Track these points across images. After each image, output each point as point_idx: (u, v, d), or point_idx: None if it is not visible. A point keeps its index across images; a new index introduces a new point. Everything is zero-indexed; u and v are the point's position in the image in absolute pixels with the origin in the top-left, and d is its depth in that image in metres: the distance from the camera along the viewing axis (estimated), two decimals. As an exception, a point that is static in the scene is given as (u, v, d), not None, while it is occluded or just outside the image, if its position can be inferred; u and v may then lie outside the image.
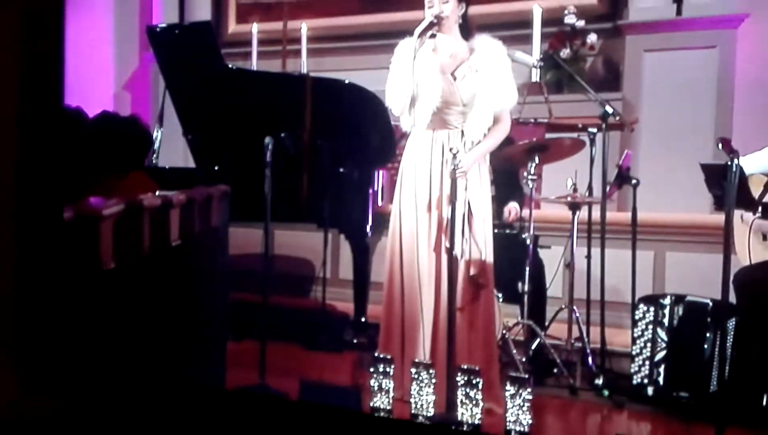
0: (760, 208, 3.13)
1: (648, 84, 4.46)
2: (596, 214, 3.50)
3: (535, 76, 3.72)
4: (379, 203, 4.17)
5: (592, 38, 4.62)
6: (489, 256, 3.05)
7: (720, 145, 2.82)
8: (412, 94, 2.92)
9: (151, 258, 2.55)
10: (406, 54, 2.95)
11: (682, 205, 4.14)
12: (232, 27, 5.86)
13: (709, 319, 3.11)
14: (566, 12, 4.63)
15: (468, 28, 3.06)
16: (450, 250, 2.87)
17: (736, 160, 2.76)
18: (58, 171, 2.30)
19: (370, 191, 4.05)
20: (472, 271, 3.00)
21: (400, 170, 3.10)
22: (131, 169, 2.93)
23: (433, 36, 3.03)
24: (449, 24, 3.00)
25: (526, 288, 3.49)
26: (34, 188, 2.23)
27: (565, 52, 4.57)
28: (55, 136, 2.28)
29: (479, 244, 3.00)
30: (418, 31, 2.92)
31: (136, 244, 2.44)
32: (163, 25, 4.76)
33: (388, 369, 2.89)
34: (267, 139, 3.42)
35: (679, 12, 4.45)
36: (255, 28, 5.04)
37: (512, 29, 4.40)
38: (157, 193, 2.80)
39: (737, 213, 3.11)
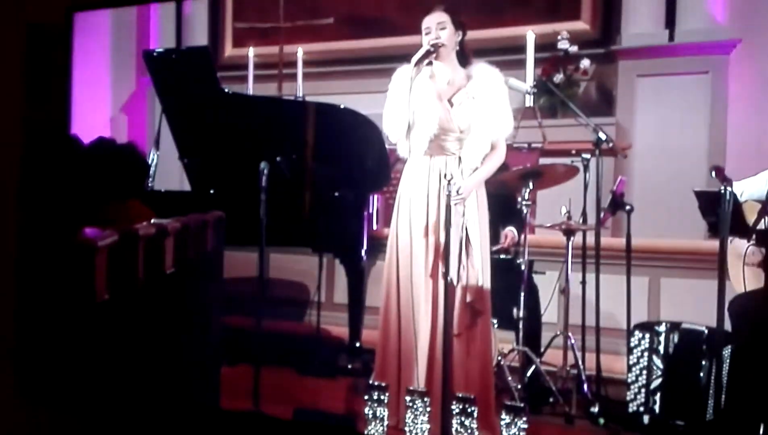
0: (754, 236, 3.12)
1: (641, 109, 4.43)
2: (591, 239, 3.45)
3: (529, 101, 3.73)
4: (374, 227, 4.16)
5: (585, 63, 4.60)
6: (486, 283, 3.02)
7: (713, 174, 2.83)
8: (409, 121, 2.91)
9: (145, 286, 2.55)
10: (403, 81, 2.96)
11: (677, 231, 4.09)
12: (229, 51, 5.83)
13: (704, 347, 3.06)
14: (559, 37, 4.62)
15: (465, 55, 3.07)
16: (445, 276, 2.85)
17: (729, 189, 2.78)
18: (58, 195, 2.29)
19: (365, 215, 4.02)
20: (468, 298, 2.97)
21: (397, 196, 3.09)
22: (128, 196, 2.91)
23: (430, 63, 3.03)
24: (446, 51, 2.99)
25: (521, 314, 3.45)
26: (35, 209, 2.22)
27: (558, 77, 4.55)
28: (57, 160, 2.28)
29: (477, 271, 2.98)
30: (415, 59, 2.92)
31: (131, 273, 2.44)
32: (160, 49, 4.77)
33: (382, 397, 2.87)
34: (262, 165, 3.45)
35: (671, 38, 4.43)
36: (251, 52, 4.99)
37: (506, 54, 4.39)
38: (152, 220, 2.79)
39: (731, 239, 3.07)
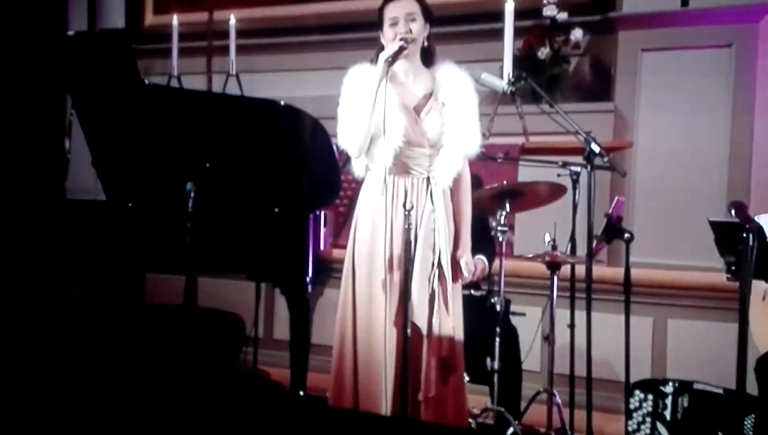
0: (784, 280, 2.76)
1: (646, 92, 4.05)
2: (581, 270, 3.09)
3: (507, 88, 3.32)
4: (322, 247, 3.80)
5: (576, 34, 4.21)
6: (460, 332, 2.79)
7: (733, 211, 2.47)
8: (373, 133, 2.68)
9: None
10: (361, 83, 2.69)
11: (688, 261, 3.80)
12: (150, 19, 5.53)
13: (721, 414, 2.89)
14: (545, 2, 4.23)
15: (431, 54, 2.82)
16: (404, 322, 2.60)
17: (753, 228, 2.39)
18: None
19: (311, 235, 3.68)
20: (442, 352, 2.71)
21: (353, 223, 2.81)
22: None
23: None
24: (413, 49, 2.73)
25: (496, 365, 3.18)
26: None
27: (543, 52, 4.16)
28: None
29: (451, 317, 2.74)
30: (384, 57, 2.63)
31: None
32: (70, 32, 4.54)
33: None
34: (189, 185, 3.20)
35: (685, 2, 4.02)
36: (176, 20, 4.82)
37: (479, 23, 4.16)
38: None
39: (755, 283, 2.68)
